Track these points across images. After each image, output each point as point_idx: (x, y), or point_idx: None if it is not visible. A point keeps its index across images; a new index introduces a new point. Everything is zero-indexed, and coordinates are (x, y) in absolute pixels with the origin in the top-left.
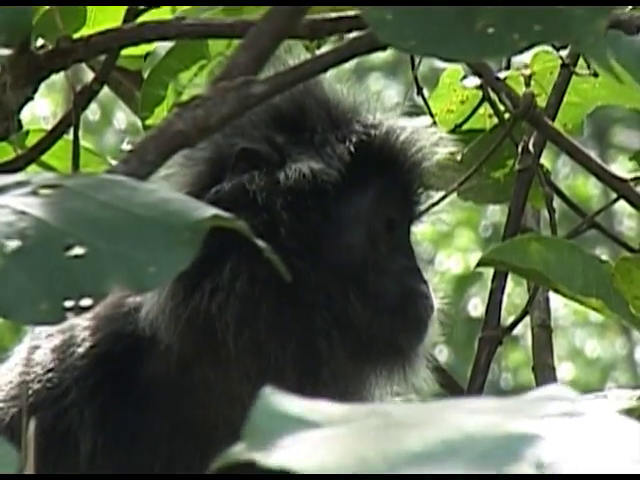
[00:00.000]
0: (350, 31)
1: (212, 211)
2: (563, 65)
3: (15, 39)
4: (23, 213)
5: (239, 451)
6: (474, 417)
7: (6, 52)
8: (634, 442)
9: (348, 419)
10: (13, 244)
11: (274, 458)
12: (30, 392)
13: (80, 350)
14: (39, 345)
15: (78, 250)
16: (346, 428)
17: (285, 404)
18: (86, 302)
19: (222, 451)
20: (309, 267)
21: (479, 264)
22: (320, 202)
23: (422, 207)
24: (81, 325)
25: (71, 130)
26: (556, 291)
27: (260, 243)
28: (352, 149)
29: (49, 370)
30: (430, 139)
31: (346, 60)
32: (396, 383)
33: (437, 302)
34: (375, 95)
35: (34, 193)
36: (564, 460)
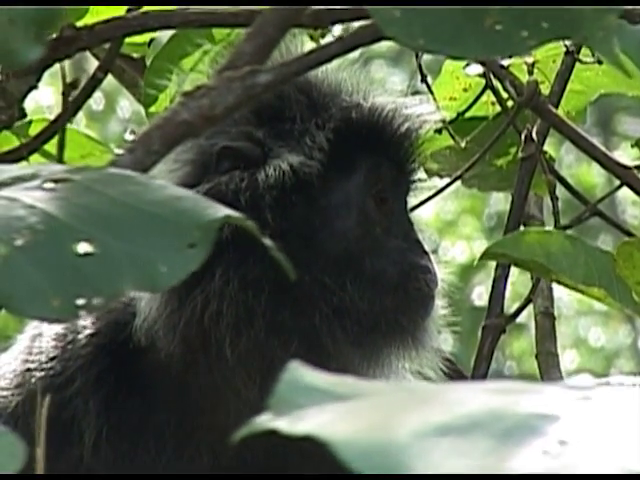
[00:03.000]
0: (355, 20)
1: (224, 211)
2: (567, 52)
3: (46, 33)
4: (32, 207)
5: (265, 420)
6: (497, 396)
7: (40, 51)
8: None
9: (373, 393)
10: (24, 238)
11: (300, 426)
12: (33, 380)
13: (83, 339)
14: (42, 333)
15: (88, 247)
16: (372, 401)
17: (311, 377)
18: (98, 301)
19: (231, 439)
20: (300, 262)
21: (482, 258)
22: (304, 195)
23: (416, 177)
24: None
25: (75, 119)
26: (558, 282)
27: (267, 242)
28: (331, 136)
29: (52, 358)
30: (416, 108)
31: (352, 50)
32: (408, 361)
33: (441, 274)
34: (357, 73)
35: (43, 186)
36: (586, 438)
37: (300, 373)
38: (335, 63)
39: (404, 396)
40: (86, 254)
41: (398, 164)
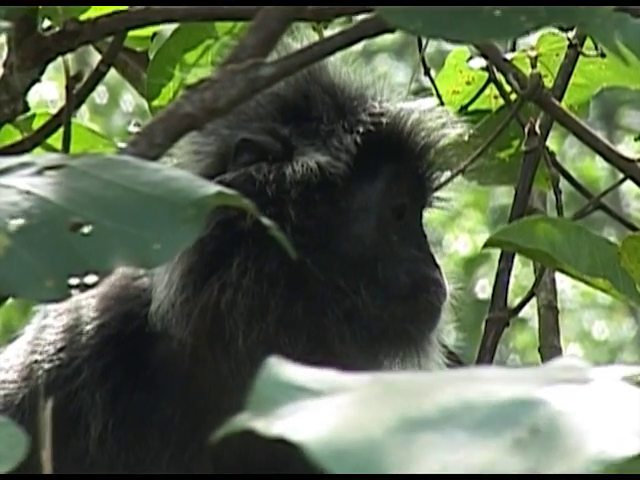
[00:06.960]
0: (357, 13)
1: (216, 188)
2: (570, 46)
3: (15, 13)
4: (28, 193)
5: (242, 420)
6: (475, 385)
7: (6, 24)
8: (638, 411)
9: (350, 388)
10: (18, 223)
11: (274, 428)
12: (41, 372)
13: (91, 330)
14: (49, 324)
15: (83, 228)
16: (347, 397)
17: (288, 373)
18: (91, 279)
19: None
20: (317, 261)
21: (486, 245)
22: (328, 195)
23: (433, 191)
24: (91, 305)
25: (78, 113)
26: (563, 272)
27: (266, 221)
28: (359, 140)
29: (60, 350)
30: (438, 121)
31: (355, 42)
32: (409, 369)
33: (449, 288)
34: (381, 77)
35: (39, 173)
36: (563, 426)
37: (278, 369)
38: (358, 67)
39: (379, 390)
40: (79, 234)
41: (420, 175)
